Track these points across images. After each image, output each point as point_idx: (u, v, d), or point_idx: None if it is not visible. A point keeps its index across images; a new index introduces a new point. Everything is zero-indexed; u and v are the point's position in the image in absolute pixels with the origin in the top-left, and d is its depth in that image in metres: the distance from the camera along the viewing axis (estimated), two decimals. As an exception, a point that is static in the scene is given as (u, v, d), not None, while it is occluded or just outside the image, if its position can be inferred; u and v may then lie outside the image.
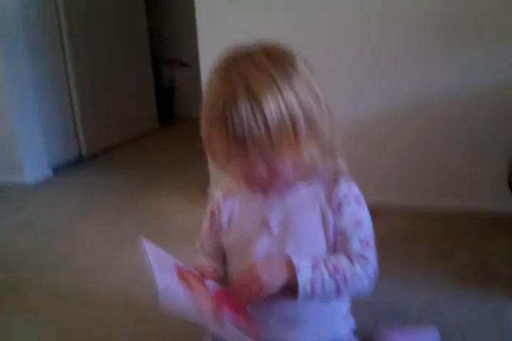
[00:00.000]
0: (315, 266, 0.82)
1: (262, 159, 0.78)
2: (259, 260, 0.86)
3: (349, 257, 0.86)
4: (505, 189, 1.85)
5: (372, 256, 0.88)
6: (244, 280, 0.82)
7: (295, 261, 0.82)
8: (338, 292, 0.84)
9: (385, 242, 1.67)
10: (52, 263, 1.68)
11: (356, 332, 1.00)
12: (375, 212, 1.99)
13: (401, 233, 1.77)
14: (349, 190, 0.89)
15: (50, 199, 2.36)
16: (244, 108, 0.75)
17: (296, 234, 0.88)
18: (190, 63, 3.41)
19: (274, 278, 0.81)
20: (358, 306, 1.28)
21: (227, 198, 0.94)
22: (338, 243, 0.88)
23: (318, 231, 0.87)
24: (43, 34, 2.71)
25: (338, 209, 0.87)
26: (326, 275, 0.82)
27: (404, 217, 1.90)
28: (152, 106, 3.73)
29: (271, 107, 0.75)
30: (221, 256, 0.97)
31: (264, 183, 0.84)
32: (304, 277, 0.81)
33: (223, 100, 0.76)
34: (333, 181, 0.89)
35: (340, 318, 0.96)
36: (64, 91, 2.88)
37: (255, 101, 0.75)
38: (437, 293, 1.36)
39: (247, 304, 0.83)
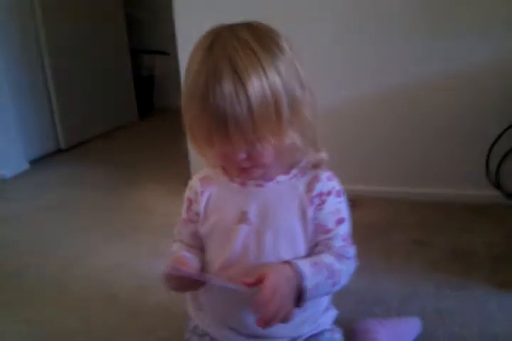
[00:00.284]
0: (316, 271, 0.81)
1: (244, 142, 0.75)
2: (266, 266, 0.82)
3: (337, 256, 0.85)
4: (482, 177, 1.88)
5: (353, 254, 0.88)
6: (265, 294, 0.76)
7: (299, 265, 0.80)
8: (328, 293, 0.86)
9: (365, 232, 1.70)
10: (32, 258, 1.66)
11: (338, 323, 1.01)
12: (355, 202, 2.01)
13: (381, 222, 1.78)
14: (330, 184, 0.87)
15: (28, 192, 2.32)
16: (227, 85, 0.72)
17: (274, 226, 0.86)
18: (170, 51, 3.34)
19: (291, 293, 0.79)
20: (341, 297, 1.29)
21: (204, 185, 0.92)
22: (319, 238, 0.87)
23: (296, 224, 0.87)
24: (17, 24, 2.64)
25: (319, 203, 0.86)
26: (324, 279, 0.82)
27: (384, 206, 1.91)
28: (131, 97, 3.67)
29: (255, 86, 0.73)
30: (199, 243, 0.96)
31: (244, 171, 0.82)
32: (310, 284, 0.80)
33: (205, 77, 0.74)
34: (313, 173, 0.88)
35: (321, 311, 0.96)
36: (40, 82, 2.82)
37: (239, 79, 0.72)
38: (418, 282, 1.37)
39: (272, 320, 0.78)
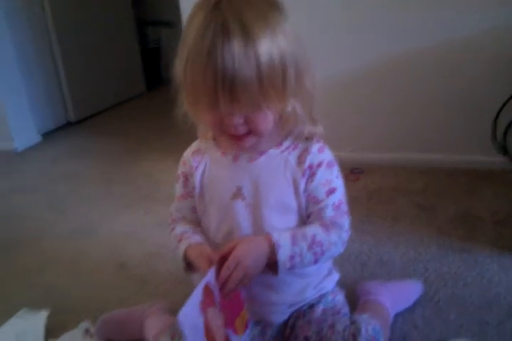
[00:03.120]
0: (294, 242, 0.83)
1: (249, 102, 0.73)
2: (240, 237, 0.85)
3: (325, 226, 0.86)
4: (489, 143, 1.87)
5: (346, 221, 0.89)
6: (228, 266, 0.79)
7: (275, 237, 0.82)
8: (315, 262, 0.86)
9: (371, 198, 1.72)
10: (45, 228, 1.70)
11: (341, 285, 1.04)
12: (361, 170, 2.03)
13: (386, 188, 1.80)
14: (320, 156, 0.88)
15: (40, 164, 2.36)
16: (237, 44, 0.70)
17: (268, 199, 0.87)
18: (175, 22, 3.30)
19: (257, 262, 0.81)
20: (344, 260, 1.33)
21: (197, 160, 0.93)
22: (311, 209, 0.89)
23: (289, 197, 0.88)
24: (23, 1, 2.64)
25: (310, 175, 0.86)
26: (305, 250, 0.83)
27: (390, 172, 1.93)
28: (138, 69, 3.68)
29: (265, 48, 0.71)
30: (196, 217, 0.98)
31: (238, 138, 0.81)
32: (284, 254, 0.81)
33: (213, 33, 0.70)
34: (304, 145, 0.88)
35: (323, 276, 0.99)
36: (48, 56, 2.84)
37: (250, 38, 0.70)
38: (422, 246, 1.39)
39: (233, 289, 0.81)
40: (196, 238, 0.92)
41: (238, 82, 0.71)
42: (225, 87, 0.71)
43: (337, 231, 0.87)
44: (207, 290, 0.78)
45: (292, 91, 0.77)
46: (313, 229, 0.86)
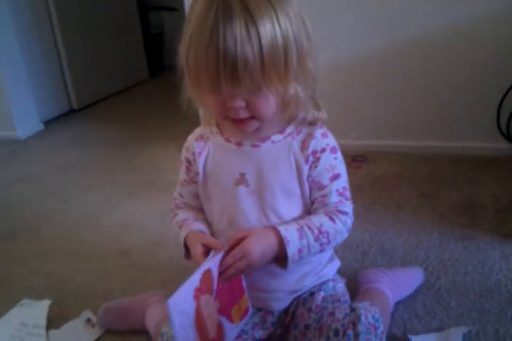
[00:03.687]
0: (301, 235, 0.84)
1: (251, 85, 0.73)
2: (250, 229, 0.85)
3: (330, 214, 0.87)
4: (493, 130, 1.86)
5: (349, 208, 0.90)
6: (234, 255, 0.81)
7: (282, 231, 0.83)
8: (322, 251, 0.87)
9: (374, 185, 1.72)
10: (47, 217, 1.71)
11: (343, 273, 1.04)
12: (364, 157, 2.03)
13: (390, 176, 1.79)
14: (324, 141, 0.88)
15: (43, 152, 2.37)
16: (239, 26, 0.69)
17: (271, 185, 0.88)
18: (178, 7, 3.27)
19: (264, 256, 0.82)
20: (346, 248, 1.33)
21: (200, 146, 0.93)
22: (315, 196, 0.89)
23: (293, 182, 0.88)
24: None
25: (313, 160, 0.87)
26: (312, 241, 0.84)
27: (394, 159, 1.92)
28: (141, 55, 3.66)
29: (267, 29, 0.71)
30: (199, 203, 0.98)
31: (240, 122, 0.81)
32: (293, 248, 0.83)
33: (215, 14, 0.70)
34: (308, 130, 0.88)
35: (324, 263, 0.99)
36: (50, 43, 2.82)
37: (252, 19, 0.70)
38: (423, 234, 1.39)
39: (232, 276, 0.83)
40: (197, 225, 0.93)
41: (240, 63, 0.70)
42: (227, 69, 0.71)
43: (342, 218, 0.88)
44: (207, 276, 0.79)
45: (294, 73, 0.77)
46: (319, 219, 0.87)
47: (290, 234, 0.84)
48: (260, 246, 0.82)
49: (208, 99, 0.80)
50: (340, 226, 0.88)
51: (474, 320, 1.04)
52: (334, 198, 0.88)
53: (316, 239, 0.85)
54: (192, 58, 0.74)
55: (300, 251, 0.84)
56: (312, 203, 0.91)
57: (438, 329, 1.02)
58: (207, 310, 0.80)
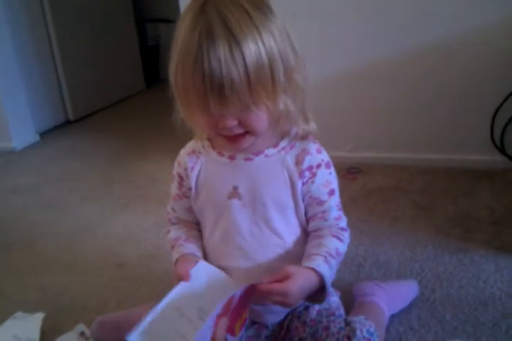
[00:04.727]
0: (329, 266, 0.85)
1: (239, 105, 0.74)
2: (292, 269, 0.83)
3: (337, 235, 0.90)
4: (487, 142, 1.88)
5: (346, 222, 0.93)
6: (272, 290, 0.79)
7: (321, 271, 0.83)
8: None
9: (370, 197, 1.72)
10: (42, 228, 1.70)
11: (337, 286, 1.04)
12: (358, 169, 2.03)
13: (384, 188, 1.80)
14: (319, 156, 0.88)
15: (38, 163, 2.36)
16: (222, 48, 0.70)
17: (264, 199, 0.88)
18: (175, 19, 3.29)
19: (301, 297, 0.82)
20: (341, 261, 1.33)
21: (192, 161, 0.93)
22: (314, 211, 0.90)
23: (286, 196, 0.88)
24: (23, 0, 2.64)
25: (310, 176, 0.87)
26: (334, 267, 0.87)
27: (388, 172, 1.93)
28: (137, 67, 3.67)
29: (251, 49, 0.71)
30: (194, 217, 0.98)
31: (234, 139, 0.82)
32: (328, 282, 0.84)
33: (198, 37, 0.71)
34: (302, 145, 0.88)
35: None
36: (47, 54, 2.83)
37: (235, 41, 0.70)
38: (418, 247, 1.39)
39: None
40: (188, 247, 0.93)
41: (226, 84, 0.71)
42: (214, 91, 0.72)
43: (345, 235, 0.91)
44: (229, 302, 0.78)
45: (283, 88, 0.77)
46: (333, 243, 0.88)
47: (323, 269, 0.84)
48: (301, 290, 0.81)
49: (199, 119, 0.80)
50: (346, 243, 0.91)
51: (469, 333, 1.04)
52: (334, 213, 0.90)
53: (337, 264, 0.88)
54: (180, 81, 0.75)
55: (331, 277, 0.86)
56: (311, 219, 0.91)
57: (433, 343, 1.02)
58: (221, 331, 0.80)
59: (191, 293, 0.85)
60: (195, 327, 0.81)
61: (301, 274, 0.82)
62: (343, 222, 0.92)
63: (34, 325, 1.15)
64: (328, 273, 0.84)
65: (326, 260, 0.85)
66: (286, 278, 0.80)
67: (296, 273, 0.82)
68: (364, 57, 1.92)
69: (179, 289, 0.85)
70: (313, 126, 0.88)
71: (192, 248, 0.93)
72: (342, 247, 0.89)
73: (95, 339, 1.10)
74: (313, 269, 0.83)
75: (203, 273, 0.88)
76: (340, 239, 0.89)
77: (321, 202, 0.89)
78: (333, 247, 0.87)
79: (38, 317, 1.17)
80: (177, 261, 0.91)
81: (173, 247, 0.94)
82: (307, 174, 0.87)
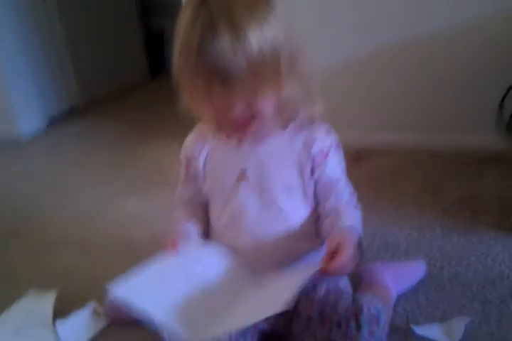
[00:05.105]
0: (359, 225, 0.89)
1: (245, 93, 0.74)
2: (337, 240, 0.85)
3: (352, 205, 0.93)
4: (494, 124, 1.86)
5: (356, 198, 0.95)
6: (334, 270, 0.81)
7: (358, 232, 0.87)
8: None
9: (376, 180, 1.72)
10: (51, 213, 1.71)
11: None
12: (367, 151, 2.03)
13: (392, 170, 1.79)
14: (328, 139, 0.90)
15: (45, 149, 2.38)
16: (225, 38, 0.70)
17: (272, 182, 0.89)
18: (180, 8, 3.28)
19: (354, 260, 0.84)
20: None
21: (200, 144, 0.94)
22: (329, 192, 0.91)
23: (294, 179, 0.89)
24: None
25: (322, 159, 0.88)
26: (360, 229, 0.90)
27: (396, 154, 1.92)
28: (142, 55, 3.67)
29: (253, 37, 0.71)
30: (202, 200, 0.99)
31: (241, 126, 0.82)
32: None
33: (200, 29, 0.71)
34: (310, 129, 0.89)
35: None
36: (53, 43, 2.83)
37: (237, 30, 0.71)
38: (426, 229, 1.39)
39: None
40: (187, 226, 0.95)
41: (231, 75, 0.72)
42: (218, 82, 0.72)
43: (358, 207, 0.95)
44: None
45: (287, 75, 0.78)
46: (351, 212, 0.91)
47: (356, 226, 0.88)
48: (352, 256, 0.82)
49: (205, 108, 0.81)
50: (360, 215, 0.94)
51: (477, 310, 1.04)
52: (347, 195, 0.93)
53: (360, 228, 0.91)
54: (184, 72, 0.76)
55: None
56: (325, 200, 0.92)
57: (440, 320, 1.02)
58: None
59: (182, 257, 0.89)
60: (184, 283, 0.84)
61: (347, 238, 0.84)
62: (354, 198, 0.95)
63: (47, 303, 1.15)
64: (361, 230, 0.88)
65: (353, 221, 0.89)
66: (336, 250, 0.81)
67: (341, 241, 0.83)
68: (371, 43, 1.90)
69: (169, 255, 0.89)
70: (320, 108, 0.89)
71: (190, 227, 0.94)
72: (360, 215, 0.92)
73: (107, 316, 1.11)
74: (349, 228, 0.86)
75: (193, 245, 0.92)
76: (356, 207, 0.92)
77: (334, 182, 0.91)
78: (354, 215, 0.91)
79: (51, 296, 1.18)
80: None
81: (174, 226, 0.96)
82: (319, 157, 0.88)
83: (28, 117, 2.60)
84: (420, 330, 0.99)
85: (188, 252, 0.90)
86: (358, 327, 0.86)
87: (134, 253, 1.39)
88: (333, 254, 0.81)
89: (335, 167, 0.91)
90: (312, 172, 0.90)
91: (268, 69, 0.74)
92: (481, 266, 1.19)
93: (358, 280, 1.13)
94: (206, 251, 0.94)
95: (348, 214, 0.90)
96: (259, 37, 0.72)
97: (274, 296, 0.81)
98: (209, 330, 0.78)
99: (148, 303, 0.79)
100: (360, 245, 0.86)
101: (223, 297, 0.86)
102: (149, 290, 0.84)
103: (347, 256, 0.80)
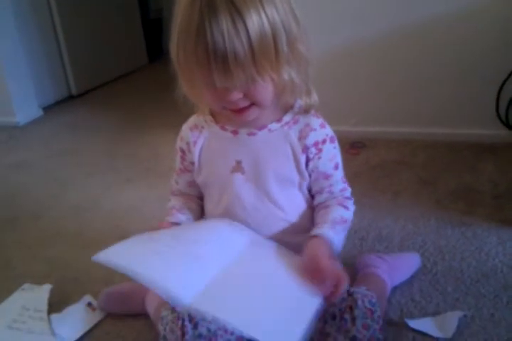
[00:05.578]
0: (336, 233, 0.88)
1: (244, 76, 0.74)
2: (313, 247, 0.84)
3: (342, 204, 0.93)
4: (492, 116, 1.86)
5: (350, 192, 0.96)
6: (335, 280, 0.80)
7: (330, 237, 0.86)
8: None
9: (373, 171, 1.72)
10: (47, 203, 1.71)
11: (341, 258, 1.05)
12: (362, 143, 2.03)
13: (388, 162, 1.80)
14: (323, 132, 0.89)
15: (42, 138, 2.37)
16: (225, 20, 0.69)
17: (267, 173, 0.89)
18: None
19: (333, 266, 0.82)
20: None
21: (195, 135, 0.93)
22: (322, 185, 0.92)
23: (289, 171, 0.89)
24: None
25: (316, 152, 0.88)
26: (341, 234, 0.90)
27: (392, 146, 1.92)
28: (140, 41, 3.64)
29: (253, 20, 0.71)
30: (197, 191, 1.00)
31: (239, 112, 0.82)
32: (338, 247, 0.88)
33: (200, 10, 0.70)
34: (305, 120, 0.89)
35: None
36: (49, 30, 2.81)
37: (237, 12, 0.70)
38: (421, 220, 1.40)
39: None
40: (177, 216, 0.94)
41: (230, 57, 0.71)
42: (218, 64, 0.72)
43: (350, 203, 0.94)
44: None
45: (286, 59, 0.77)
46: (338, 211, 0.91)
47: (327, 233, 0.87)
48: (330, 264, 0.81)
49: (203, 94, 0.80)
50: (351, 211, 0.94)
51: (470, 304, 1.06)
52: (340, 186, 0.93)
53: (344, 230, 0.91)
54: (182, 56, 0.75)
55: (339, 243, 0.89)
56: (318, 193, 0.93)
57: (434, 314, 1.03)
58: None
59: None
60: (169, 247, 0.81)
61: (323, 252, 0.83)
62: (348, 192, 0.95)
63: (42, 297, 1.16)
64: (334, 237, 0.86)
65: (332, 226, 0.88)
66: (313, 265, 0.80)
67: (320, 250, 0.83)
68: (368, 32, 1.89)
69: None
70: (315, 98, 0.89)
71: (180, 218, 0.94)
72: (347, 214, 0.92)
73: (102, 310, 1.12)
74: (320, 235, 0.86)
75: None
76: (345, 207, 0.92)
77: (327, 176, 0.91)
78: (339, 214, 0.90)
79: (46, 289, 1.18)
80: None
81: (167, 215, 0.95)
82: (313, 150, 0.88)
83: (24, 106, 2.59)
84: (414, 324, 1.00)
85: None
86: (353, 320, 0.87)
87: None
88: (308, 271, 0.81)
89: (329, 160, 0.91)
90: (307, 164, 0.90)
91: (268, 51, 0.74)
92: (475, 261, 1.20)
93: (353, 273, 1.14)
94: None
95: (331, 213, 0.91)
96: (259, 20, 0.72)
97: (279, 324, 0.75)
98: (209, 305, 0.74)
99: (137, 263, 0.77)
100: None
101: (219, 261, 0.83)
102: (137, 250, 0.82)
103: (346, 283, 0.81)
